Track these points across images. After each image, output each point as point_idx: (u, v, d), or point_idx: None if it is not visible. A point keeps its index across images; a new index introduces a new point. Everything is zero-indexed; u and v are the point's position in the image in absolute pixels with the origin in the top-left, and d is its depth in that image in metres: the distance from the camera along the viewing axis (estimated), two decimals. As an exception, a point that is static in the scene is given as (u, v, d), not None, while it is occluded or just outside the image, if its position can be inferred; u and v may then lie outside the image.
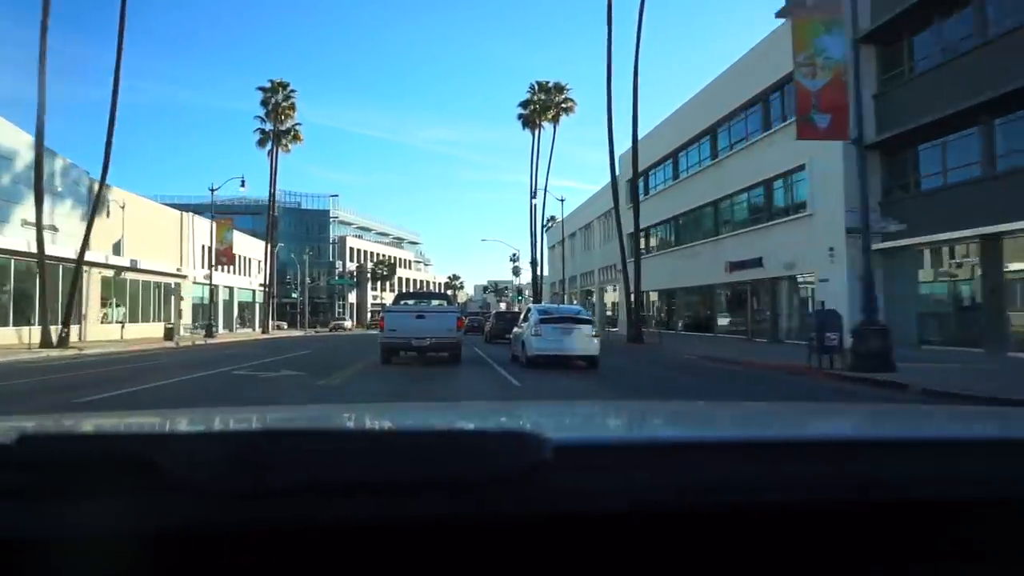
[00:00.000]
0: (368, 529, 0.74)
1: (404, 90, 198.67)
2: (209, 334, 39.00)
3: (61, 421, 1.50)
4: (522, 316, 18.07)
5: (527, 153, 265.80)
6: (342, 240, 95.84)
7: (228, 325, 54.78)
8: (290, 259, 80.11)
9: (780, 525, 0.81)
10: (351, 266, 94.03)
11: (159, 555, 0.72)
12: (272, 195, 53.55)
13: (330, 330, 66.66)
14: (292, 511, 0.71)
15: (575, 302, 53.70)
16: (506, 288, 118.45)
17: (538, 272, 58.46)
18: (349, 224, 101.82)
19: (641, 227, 40.10)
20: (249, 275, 58.92)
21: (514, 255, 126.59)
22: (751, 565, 0.80)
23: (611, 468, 0.82)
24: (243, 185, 40.58)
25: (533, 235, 58.47)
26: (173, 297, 40.73)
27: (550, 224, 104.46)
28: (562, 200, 46.25)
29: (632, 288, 29.15)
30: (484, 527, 0.76)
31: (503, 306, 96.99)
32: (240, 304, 58.03)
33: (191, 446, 0.76)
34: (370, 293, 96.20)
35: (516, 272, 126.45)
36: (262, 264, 63.23)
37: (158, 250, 40.63)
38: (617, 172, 45.43)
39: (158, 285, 41.27)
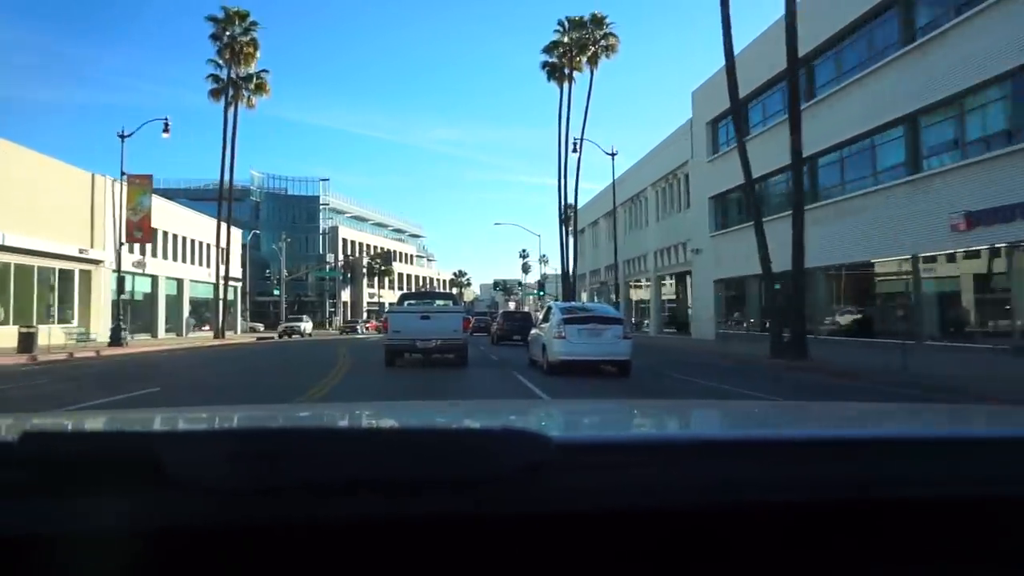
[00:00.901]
0: (371, 527, 0.74)
1: (408, 91, 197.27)
2: (116, 341, 27.12)
3: (64, 419, 1.51)
4: (541, 316, 16.23)
5: (534, 153, 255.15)
6: (334, 230, 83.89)
7: (176, 327, 42.80)
8: (272, 251, 68.29)
9: (783, 524, 0.80)
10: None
11: (163, 552, 0.72)
12: (230, 163, 41.37)
13: (280, 335, 46.88)
14: (295, 509, 0.72)
15: (615, 298, 41.65)
16: (515, 286, 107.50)
17: (567, 259, 46.28)
18: (342, 212, 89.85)
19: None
20: (209, 266, 46.90)
21: (523, 251, 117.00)
22: (754, 564, 0.80)
23: (613, 467, 0.82)
24: (166, 130, 28.42)
25: (562, 209, 46.26)
26: (55, 288, 28.60)
27: (566, 214, 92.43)
28: (613, 154, 33.85)
29: (769, 262, 16.88)
30: (486, 525, 0.76)
31: (512, 305, 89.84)
32: (195, 301, 45.99)
33: (195, 444, 0.76)
34: (366, 290, 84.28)
35: (525, 269, 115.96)
36: (232, 254, 51.32)
37: (56, 225, 28.77)
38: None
39: (54, 273, 29.49)
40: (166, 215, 41.85)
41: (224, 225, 41.36)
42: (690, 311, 33.87)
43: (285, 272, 57.73)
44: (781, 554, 0.80)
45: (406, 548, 0.75)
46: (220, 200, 41.13)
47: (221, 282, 41.33)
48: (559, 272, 68.05)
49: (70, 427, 1.28)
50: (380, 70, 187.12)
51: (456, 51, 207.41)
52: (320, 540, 0.73)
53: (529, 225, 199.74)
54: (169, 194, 58.96)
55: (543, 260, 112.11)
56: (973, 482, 0.84)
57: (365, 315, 75.70)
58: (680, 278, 36.89)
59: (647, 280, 40.69)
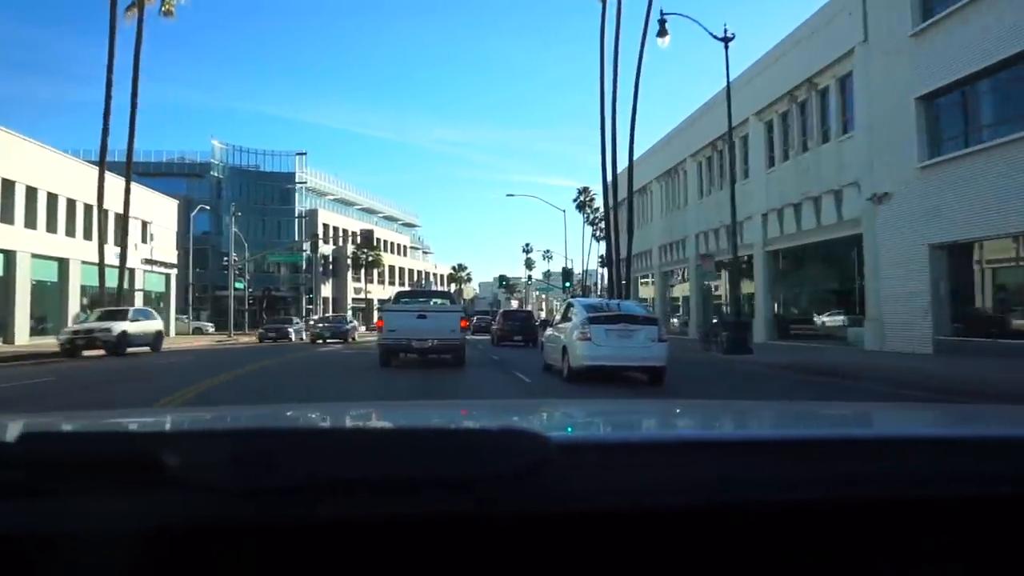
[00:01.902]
0: (370, 526, 0.74)
1: (409, 90, 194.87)
2: None
3: (63, 420, 1.48)
4: (560, 314, 15.61)
5: (536, 155, 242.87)
6: (312, 214, 70.71)
7: (57, 328, 29.45)
8: (236, 236, 55.12)
9: (785, 523, 0.80)
10: (326, 249, 68.67)
11: (163, 552, 0.73)
12: (132, 93, 28.13)
13: (62, 348, 20.49)
14: (295, 508, 0.72)
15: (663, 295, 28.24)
16: (519, 282, 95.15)
17: (616, 235, 33.03)
18: (323, 194, 76.77)
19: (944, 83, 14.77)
20: (127, 245, 33.59)
21: (527, 245, 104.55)
22: (756, 563, 0.80)
23: (614, 467, 0.82)
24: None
25: (608, 143, 32.88)
26: None
27: (581, 199, 79.43)
28: (727, 38, 20.15)
29: None
30: (486, 525, 0.76)
31: (514, 304, 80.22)
32: (93, 292, 32.48)
33: (195, 444, 0.77)
34: (351, 284, 71.14)
35: (529, 265, 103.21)
36: (163, 231, 38.09)
37: None
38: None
39: None
40: (37, 164, 28.53)
41: (119, 185, 27.87)
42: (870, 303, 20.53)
43: (235, 256, 44.28)
44: (784, 554, 0.79)
45: (405, 548, 0.74)
46: (103, 149, 27.54)
47: (161, 271, 28.11)
48: (568, 266, 56.73)
49: (69, 427, 1.27)
50: (379, 69, 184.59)
51: (456, 51, 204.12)
52: (319, 540, 0.73)
53: (534, 227, 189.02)
54: (114, 167, 46.35)
55: (547, 256, 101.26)
56: (981, 482, 0.83)
57: (350, 311, 62.46)
58: (814, 254, 23.60)
59: (745, 258, 27.37)
